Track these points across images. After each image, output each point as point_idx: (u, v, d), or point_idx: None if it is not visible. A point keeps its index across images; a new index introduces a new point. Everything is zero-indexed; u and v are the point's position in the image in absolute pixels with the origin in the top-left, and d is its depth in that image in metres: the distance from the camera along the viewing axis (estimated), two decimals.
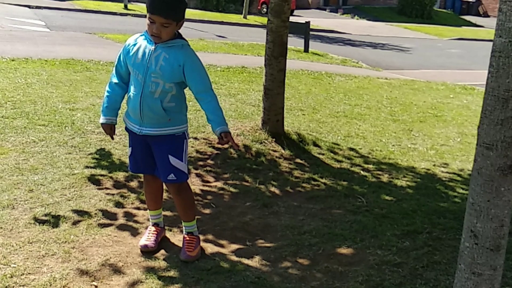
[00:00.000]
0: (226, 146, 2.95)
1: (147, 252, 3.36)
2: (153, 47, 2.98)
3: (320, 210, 4.26)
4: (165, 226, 3.64)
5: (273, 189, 4.66)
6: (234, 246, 3.59)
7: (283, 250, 3.58)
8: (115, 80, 3.17)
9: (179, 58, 2.97)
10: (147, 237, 3.41)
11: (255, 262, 3.41)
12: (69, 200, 4.01)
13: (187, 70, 2.98)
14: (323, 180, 4.93)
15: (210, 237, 3.71)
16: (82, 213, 3.83)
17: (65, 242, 3.42)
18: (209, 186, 4.55)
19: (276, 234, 3.82)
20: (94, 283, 3.03)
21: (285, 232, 3.83)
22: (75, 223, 3.69)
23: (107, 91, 3.19)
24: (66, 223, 3.68)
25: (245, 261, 3.40)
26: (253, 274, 3.23)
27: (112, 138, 3.33)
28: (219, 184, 4.63)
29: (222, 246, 3.60)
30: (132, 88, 3.10)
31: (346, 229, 3.93)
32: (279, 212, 4.18)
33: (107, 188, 4.30)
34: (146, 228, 3.63)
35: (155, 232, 3.46)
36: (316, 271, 3.34)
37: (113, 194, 4.18)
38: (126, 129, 3.25)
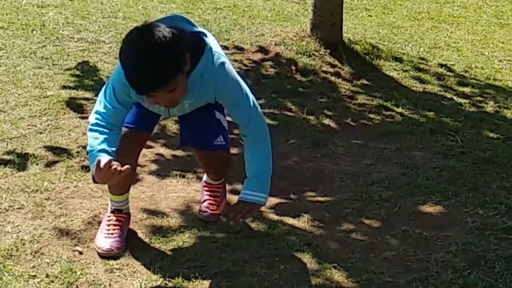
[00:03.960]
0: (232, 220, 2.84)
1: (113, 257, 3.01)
2: None
3: (395, 152, 4.25)
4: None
5: (327, 121, 4.65)
6: (273, 200, 3.56)
7: (343, 206, 3.57)
8: (106, 129, 2.75)
9: (209, 95, 2.82)
10: (108, 233, 3.07)
11: (302, 222, 3.40)
12: (40, 132, 4.03)
13: (223, 102, 2.89)
14: (400, 110, 4.91)
15: (239, 187, 3.62)
16: (59, 151, 3.83)
17: (36, 191, 3.43)
18: None
19: (333, 184, 3.81)
20: (78, 247, 3.02)
21: (345, 182, 3.83)
22: (49, 164, 3.69)
23: (98, 147, 2.68)
24: (37, 164, 3.68)
25: (289, 220, 3.40)
26: (301, 239, 3.22)
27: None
28: None
29: None
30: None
31: (432, 178, 3.92)
32: (336, 154, 4.18)
33: None
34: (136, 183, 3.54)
35: (118, 224, 3.12)
36: (390, 236, 3.33)
37: None
38: None
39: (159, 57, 2.44)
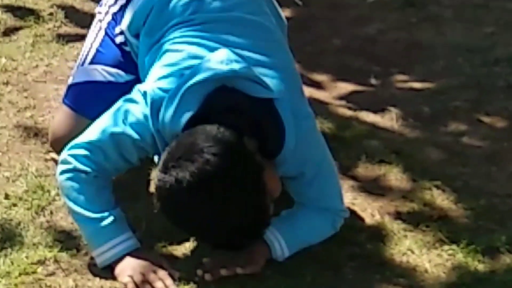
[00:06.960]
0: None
1: None
2: None
3: None
4: None
5: None
6: (345, 87, 3.60)
7: (450, 96, 3.51)
8: (102, 182, 2.65)
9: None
10: None
11: (389, 119, 3.37)
12: None
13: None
14: None
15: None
16: (23, 13, 3.91)
17: None
18: None
19: (435, 63, 3.77)
20: (52, 154, 2.96)
21: (454, 60, 3.78)
22: (8, 33, 3.78)
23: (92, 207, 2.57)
24: None
25: (368, 117, 3.39)
26: (386, 145, 3.17)
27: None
28: None
29: (321, 87, 3.60)
30: None
31: None
32: (440, 18, 4.14)
33: None
34: None
35: None
36: None
37: None
38: None
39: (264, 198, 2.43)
